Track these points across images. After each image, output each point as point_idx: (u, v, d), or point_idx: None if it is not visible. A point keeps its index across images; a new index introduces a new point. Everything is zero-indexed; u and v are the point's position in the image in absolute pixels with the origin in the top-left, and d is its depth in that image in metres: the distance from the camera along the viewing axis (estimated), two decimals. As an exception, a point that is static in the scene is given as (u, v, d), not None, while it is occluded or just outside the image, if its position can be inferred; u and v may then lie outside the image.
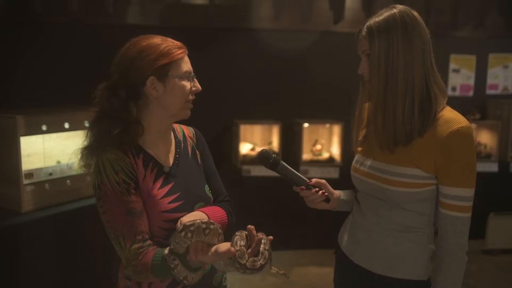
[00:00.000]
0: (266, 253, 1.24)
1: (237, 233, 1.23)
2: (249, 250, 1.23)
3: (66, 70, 3.57)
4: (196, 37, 3.78)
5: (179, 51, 1.33)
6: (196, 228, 1.19)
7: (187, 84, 1.34)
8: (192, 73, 1.37)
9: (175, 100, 1.34)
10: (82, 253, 2.37)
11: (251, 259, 1.21)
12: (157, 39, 1.33)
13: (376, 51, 1.33)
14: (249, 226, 1.26)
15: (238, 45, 4.10)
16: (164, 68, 1.30)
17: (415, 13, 1.36)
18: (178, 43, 1.36)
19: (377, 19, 1.34)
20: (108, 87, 1.33)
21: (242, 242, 1.21)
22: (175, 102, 1.34)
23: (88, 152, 1.32)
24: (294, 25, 4.16)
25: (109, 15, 3.75)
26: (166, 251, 1.23)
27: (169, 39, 1.36)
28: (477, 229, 3.67)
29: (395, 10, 1.34)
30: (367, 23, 1.36)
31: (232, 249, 1.17)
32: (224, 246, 1.20)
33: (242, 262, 1.19)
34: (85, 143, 1.34)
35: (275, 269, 1.33)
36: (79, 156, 1.33)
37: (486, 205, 3.74)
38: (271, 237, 1.28)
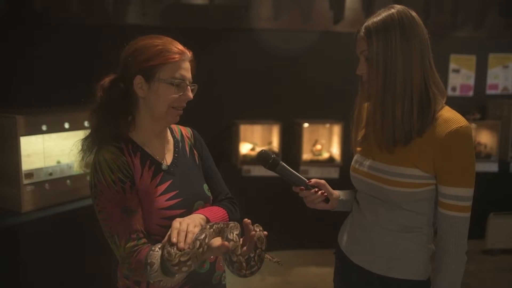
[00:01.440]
0: (263, 254, 1.24)
1: (229, 235, 1.20)
2: (244, 248, 1.23)
3: (66, 70, 3.57)
4: (196, 37, 3.78)
5: (174, 56, 1.31)
6: (208, 237, 1.20)
7: (171, 90, 1.32)
8: (185, 81, 1.34)
9: (158, 103, 1.33)
10: (82, 253, 2.37)
11: (249, 266, 1.21)
12: (158, 40, 1.34)
13: (374, 52, 1.33)
14: (245, 220, 1.25)
15: (238, 45, 4.10)
16: (152, 70, 1.31)
17: (413, 13, 1.36)
18: (179, 48, 1.34)
19: (375, 19, 1.34)
20: (110, 79, 1.37)
21: (238, 250, 1.20)
22: (158, 106, 1.33)
23: (88, 142, 1.35)
24: (294, 25, 4.16)
25: (109, 15, 3.75)
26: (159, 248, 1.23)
27: (173, 42, 1.35)
28: (477, 229, 3.68)
29: (393, 10, 1.34)
30: (365, 24, 1.36)
31: (226, 243, 1.16)
32: (217, 241, 1.21)
33: (241, 273, 1.20)
34: (87, 134, 1.37)
35: (269, 256, 1.33)
36: (79, 147, 1.36)
37: (486, 205, 3.74)
38: (265, 232, 1.28)
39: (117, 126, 1.34)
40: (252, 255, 1.24)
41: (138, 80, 1.32)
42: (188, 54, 1.37)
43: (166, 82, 1.31)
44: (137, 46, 1.33)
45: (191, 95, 1.37)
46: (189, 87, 1.36)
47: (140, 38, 1.36)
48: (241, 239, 1.26)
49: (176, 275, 1.22)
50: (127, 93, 1.35)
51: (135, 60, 1.32)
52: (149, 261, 1.19)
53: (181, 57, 1.33)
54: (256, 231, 1.24)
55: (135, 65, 1.32)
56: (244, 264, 1.19)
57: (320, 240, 3.45)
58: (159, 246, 1.23)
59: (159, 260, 1.19)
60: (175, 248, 1.16)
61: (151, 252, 1.20)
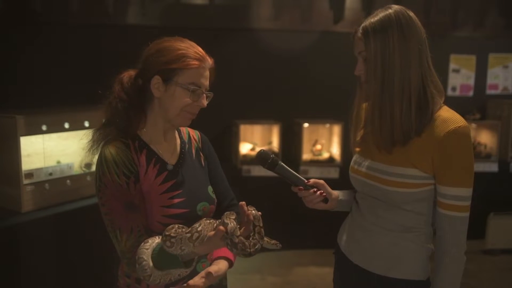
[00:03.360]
0: (262, 231, 1.26)
1: (225, 220, 1.21)
2: (243, 228, 1.24)
3: (66, 70, 3.57)
4: (196, 37, 3.78)
5: (194, 62, 1.32)
6: (203, 230, 1.21)
7: (185, 95, 1.33)
8: (201, 88, 1.35)
9: (172, 106, 1.34)
10: (82, 253, 2.38)
11: (251, 244, 1.22)
12: (181, 44, 1.35)
13: (372, 52, 1.33)
14: (241, 202, 1.26)
15: (238, 45, 4.10)
16: (170, 72, 1.32)
17: (411, 13, 1.35)
18: (200, 54, 1.35)
19: (372, 19, 1.34)
20: (129, 75, 1.38)
21: (237, 232, 1.21)
22: (172, 108, 1.35)
23: (98, 134, 1.37)
24: (294, 25, 4.16)
25: (109, 15, 3.75)
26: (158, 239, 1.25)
27: (196, 48, 1.36)
28: (477, 229, 3.68)
29: (390, 11, 1.34)
30: (363, 24, 1.36)
31: (221, 227, 1.17)
32: (211, 232, 1.21)
33: (246, 252, 1.20)
34: (98, 127, 1.39)
35: (266, 239, 1.34)
36: (90, 137, 1.37)
37: (486, 205, 3.74)
38: (260, 212, 1.29)
39: (128, 122, 1.36)
40: (251, 234, 1.26)
41: (156, 80, 1.33)
42: (209, 61, 1.38)
43: (183, 87, 1.32)
44: (160, 47, 1.35)
45: (205, 103, 1.38)
46: (204, 94, 1.37)
47: (165, 39, 1.37)
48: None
49: (165, 271, 1.23)
50: (143, 91, 1.36)
51: (156, 61, 1.33)
52: (137, 257, 1.22)
53: (201, 64, 1.34)
54: (251, 211, 1.26)
55: (155, 65, 1.33)
56: (246, 243, 1.20)
57: (320, 240, 3.45)
58: (153, 238, 1.25)
59: (150, 257, 1.21)
60: (179, 227, 1.21)
61: (141, 248, 1.22)
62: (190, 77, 1.33)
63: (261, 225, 1.26)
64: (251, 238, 1.23)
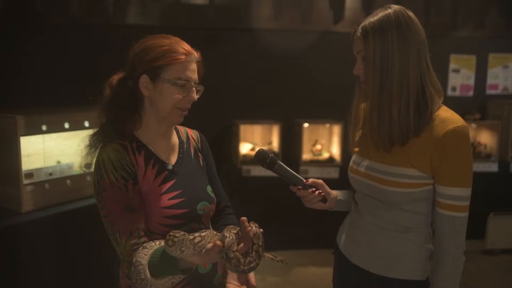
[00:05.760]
0: (260, 250, 1.24)
1: (225, 233, 1.20)
2: (241, 245, 1.23)
3: (66, 70, 3.57)
4: (196, 37, 3.78)
5: (179, 57, 1.31)
6: (207, 236, 1.20)
7: (175, 91, 1.32)
8: (190, 82, 1.34)
9: (163, 103, 1.34)
10: (82, 253, 2.37)
11: (247, 261, 1.20)
12: (165, 40, 1.34)
13: (371, 52, 1.33)
14: (242, 218, 1.25)
15: (238, 45, 4.10)
16: (157, 70, 1.31)
17: (410, 13, 1.35)
18: (186, 48, 1.34)
19: (371, 19, 1.34)
20: (118, 77, 1.38)
21: (234, 247, 1.19)
22: (162, 106, 1.34)
23: (95, 138, 1.36)
24: (294, 25, 4.17)
25: (109, 15, 3.75)
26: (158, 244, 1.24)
27: (181, 43, 1.35)
28: (477, 229, 3.68)
29: (389, 10, 1.34)
30: (362, 24, 1.36)
31: (218, 242, 1.16)
32: (210, 243, 1.20)
33: (240, 269, 1.19)
34: (94, 131, 1.38)
35: (270, 256, 1.32)
36: (86, 142, 1.37)
37: (486, 205, 3.74)
38: (261, 229, 1.27)
39: (123, 124, 1.36)
40: (249, 251, 1.24)
41: (144, 79, 1.33)
42: (196, 55, 1.37)
43: (171, 83, 1.32)
44: (144, 46, 1.34)
45: (195, 96, 1.37)
46: (194, 88, 1.36)
47: (149, 37, 1.37)
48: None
49: (158, 279, 1.22)
50: (134, 92, 1.36)
51: (142, 60, 1.33)
52: (134, 259, 1.21)
53: (187, 58, 1.33)
54: (252, 227, 1.24)
55: (141, 64, 1.33)
56: (241, 260, 1.18)
57: (320, 240, 3.45)
58: (151, 244, 1.24)
59: (147, 262, 1.20)
60: (184, 234, 1.20)
61: (140, 252, 1.22)
62: (177, 72, 1.32)
63: (260, 243, 1.24)
64: (249, 257, 1.21)
